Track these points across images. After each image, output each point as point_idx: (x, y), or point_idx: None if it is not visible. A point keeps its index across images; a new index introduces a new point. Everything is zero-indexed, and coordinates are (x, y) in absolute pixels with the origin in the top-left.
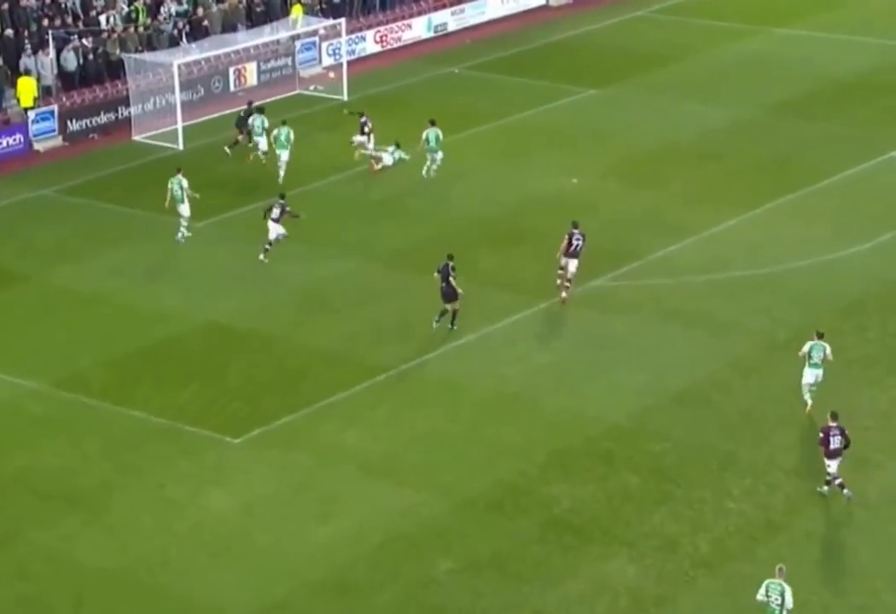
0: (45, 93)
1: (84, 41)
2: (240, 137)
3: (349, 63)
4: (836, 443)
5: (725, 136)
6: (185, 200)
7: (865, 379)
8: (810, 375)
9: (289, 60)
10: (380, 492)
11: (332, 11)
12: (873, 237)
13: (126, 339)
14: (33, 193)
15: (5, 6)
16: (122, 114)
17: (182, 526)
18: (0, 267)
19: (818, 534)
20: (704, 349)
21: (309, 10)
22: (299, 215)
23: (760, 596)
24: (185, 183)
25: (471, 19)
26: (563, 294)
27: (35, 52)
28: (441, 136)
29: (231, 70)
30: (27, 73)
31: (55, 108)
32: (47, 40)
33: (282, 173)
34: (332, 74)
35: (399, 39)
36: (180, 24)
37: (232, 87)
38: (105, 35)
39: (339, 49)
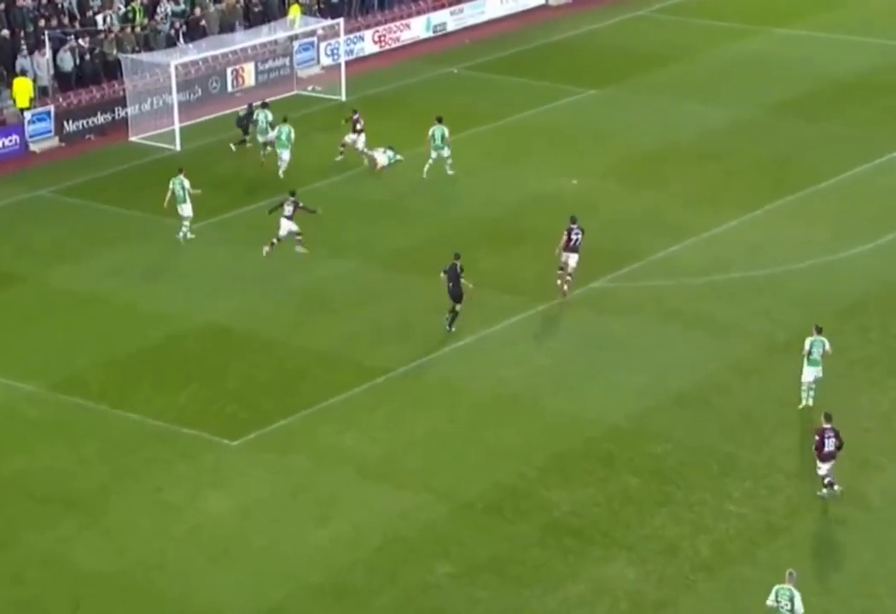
0: (41, 93)
1: (80, 41)
2: (246, 137)
3: (347, 63)
4: (830, 445)
5: (725, 137)
6: (188, 201)
7: (866, 380)
8: (809, 373)
9: (287, 61)
10: (378, 495)
11: (330, 11)
12: (874, 238)
13: (124, 341)
14: (30, 194)
15: (1, 6)
16: (118, 114)
17: (179, 529)
18: None
19: (819, 538)
20: (705, 350)
21: (307, 10)
22: (316, 210)
23: (770, 601)
24: (186, 183)
25: (470, 19)
26: (565, 287)
27: (31, 53)
28: (447, 134)
29: (229, 70)
30: (23, 73)
31: (51, 108)
32: (43, 40)
33: (281, 172)
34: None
35: (398, 39)
36: (177, 25)
37: (229, 88)
38: (102, 35)
39: (338, 49)
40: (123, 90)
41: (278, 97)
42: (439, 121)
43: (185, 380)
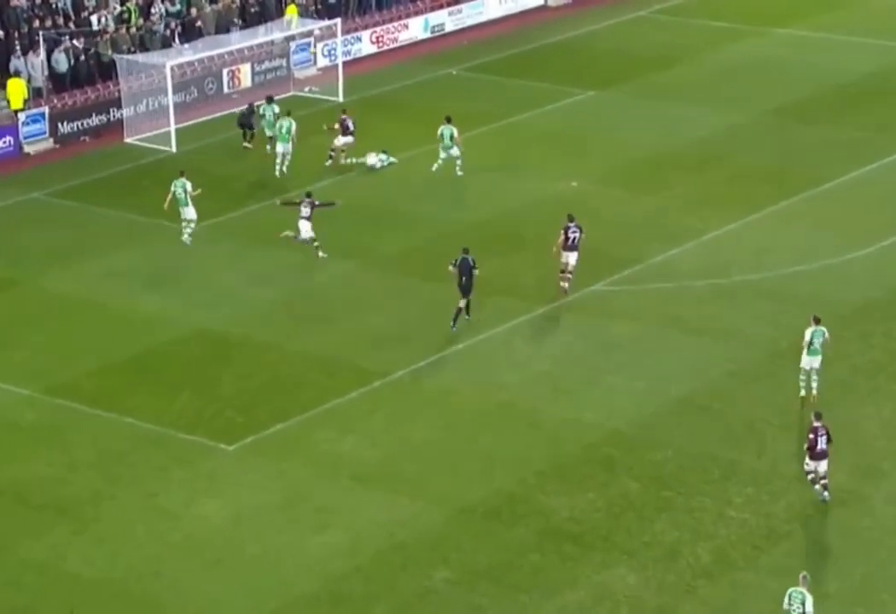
0: (35, 94)
1: (75, 42)
2: (254, 131)
3: (345, 64)
4: (822, 443)
5: (726, 139)
6: (189, 203)
7: (870, 386)
8: (808, 362)
9: (283, 61)
10: (375, 502)
11: (327, 12)
12: (877, 242)
13: (119, 345)
14: (23, 197)
15: None
16: (113, 116)
17: (174, 537)
18: None
19: (822, 543)
20: (706, 355)
21: (303, 11)
22: (335, 203)
23: (785, 604)
24: (188, 186)
25: (468, 20)
26: (565, 284)
27: (25, 53)
28: (456, 134)
29: (225, 71)
30: (17, 74)
31: (46, 109)
32: (38, 41)
33: (278, 167)
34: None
35: (395, 40)
36: (173, 25)
37: (226, 89)
38: (97, 36)
39: (335, 50)
40: (119, 91)
41: (275, 98)
42: (448, 120)
43: (180, 384)
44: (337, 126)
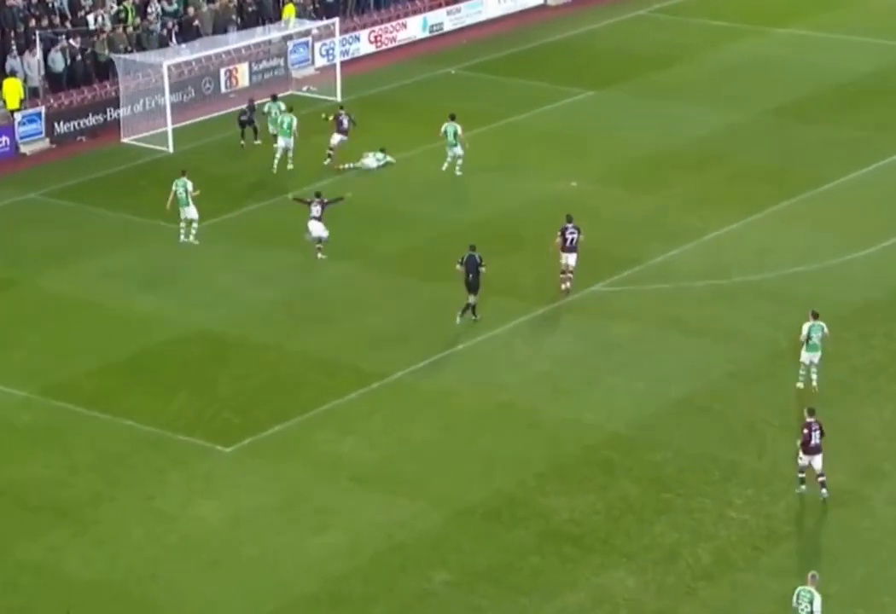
0: (31, 94)
1: (72, 41)
2: (257, 126)
3: (343, 64)
4: (816, 438)
5: (726, 139)
6: (191, 203)
7: (870, 387)
8: (807, 357)
9: (281, 61)
10: (374, 503)
11: (325, 11)
12: (878, 242)
13: (116, 346)
14: (20, 197)
15: None
16: (110, 115)
17: (172, 538)
18: None
19: (822, 545)
20: (706, 356)
21: (301, 10)
22: (343, 198)
23: (793, 603)
24: (189, 185)
25: (467, 19)
26: (566, 285)
27: (21, 53)
28: (460, 131)
29: (222, 71)
30: (13, 74)
31: (42, 109)
32: (34, 41)
33: (276, 162)
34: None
35: (394, 39)
36: (170, 24)
37: (223, 89)
38: (93, 35)
39: (333, 49)
40: (115, 91)
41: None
42: (452, 118)
43: (178, 385)
44: (332, 118)
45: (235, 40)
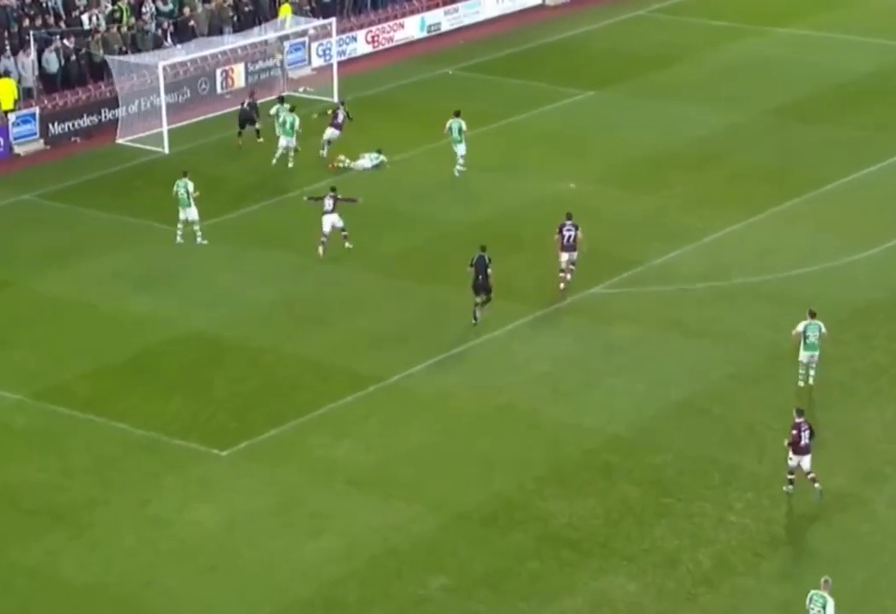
0: (25, 95)
1: (66, 42)
2: (258, 126)
3: (340, 64)
4: (806, 438)
5: (726, 139)
6: (192, 204)
7: (871, 389)
8: (805, 355)
9: (277, 61)
10: (370, 507)
11: (321, 11)
12: (879, 243)
13: (111, 349)
14: (14, 198)
15: None
16: (105, 116)
17: (167, 543)
18: None
19: (823, 549)
20: (706, 358)
21: (298, 10)
22: (356, 199)
23: (807, 605)
24: (190, 186)
25: (465, 19)
26: (562, 285)
27: (15, 53)
28: (464, 127)
29: (218, 71)
30: (7, 74)
31: (36, 110)
32: (28, 41)
33: (275, 160)
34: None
35: (391, 39)
36: (165, 25)
37: (219, 89)
38: (88, 35)
39: (330, 50)
40: (110, 92)
41: (269, 99)
42: (456, 114)
43: (173, 388)
44: (329, 112)
45: (231, 40)
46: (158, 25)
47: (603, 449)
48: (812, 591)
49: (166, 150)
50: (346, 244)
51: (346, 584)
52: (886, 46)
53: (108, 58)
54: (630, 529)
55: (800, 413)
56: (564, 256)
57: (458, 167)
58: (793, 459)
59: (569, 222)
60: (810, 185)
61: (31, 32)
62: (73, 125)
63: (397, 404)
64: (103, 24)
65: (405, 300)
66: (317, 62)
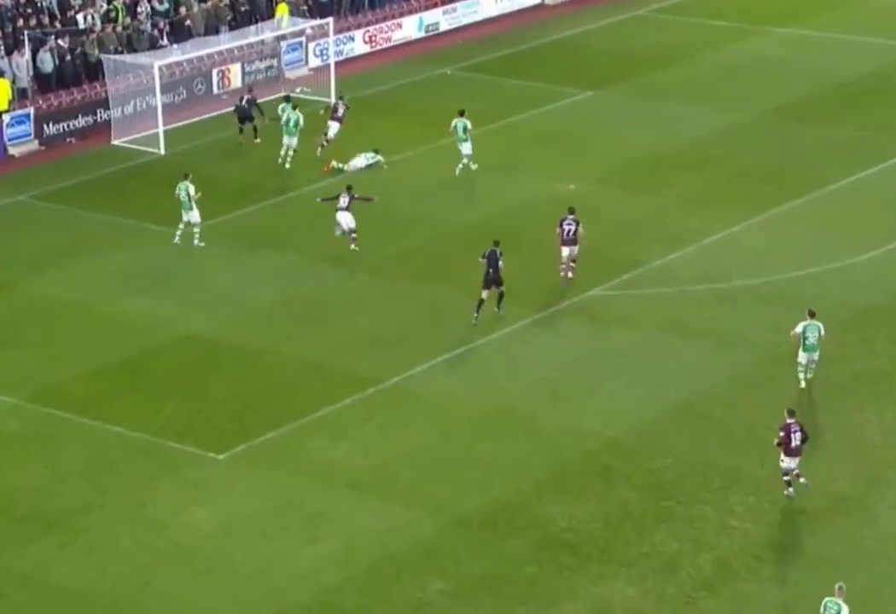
0: (20, 95)
1: (61, 41)
2: (256, 124)
3: (337, 64)
4: (796, 439)
5: (727, 140)
6: (194, 206)
7: (872, 392)
8: (804, 356)
9: (274, 61)
10: (369, 511)
11: (319, 10)
12: (880, 245)
13: (106, 351)
14: (9, 199)
15: None
16: (100, 117)
17: (163, 547)
18: None
19: (825, 554)
20: (706, 361)
21: (295, 10)
22: (372, 198)
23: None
24: (191, 189)
25: (463, 19)
26: (570, 274)
27: (9, 53)
28: (470, 126)
29: (214, 71)
30: (1, 74)
31: (31, 111)
32: (22, 40)
33: (280, 159)
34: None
35: (389, 39)
36: (161, 24)
37: (215, 90)
38: (83, 35)
39: (327, 50)
40: (105, 92)
41: (266, 99)
42: (461, 114)
43: (169, 391)
44: (332, 107)
45: (227, 40)
46: (154, 25)
47: (602, 452)
48: (826, 598)
49: (162, 151)
50: (353, 246)
51: (344, 589)
52: (886, 46)
53: (104, 58)
54: (630, 533)
55: (791, 413)
56: (565, 251)
57: (461, 166)
58: (785, 461)
59: (570, 216)
60: (810, 186)
61: (26, 32)
62: (68, 126)
63: (396, 406)
64: (98, 23)
65: (405, 301)
66: (314, 62)
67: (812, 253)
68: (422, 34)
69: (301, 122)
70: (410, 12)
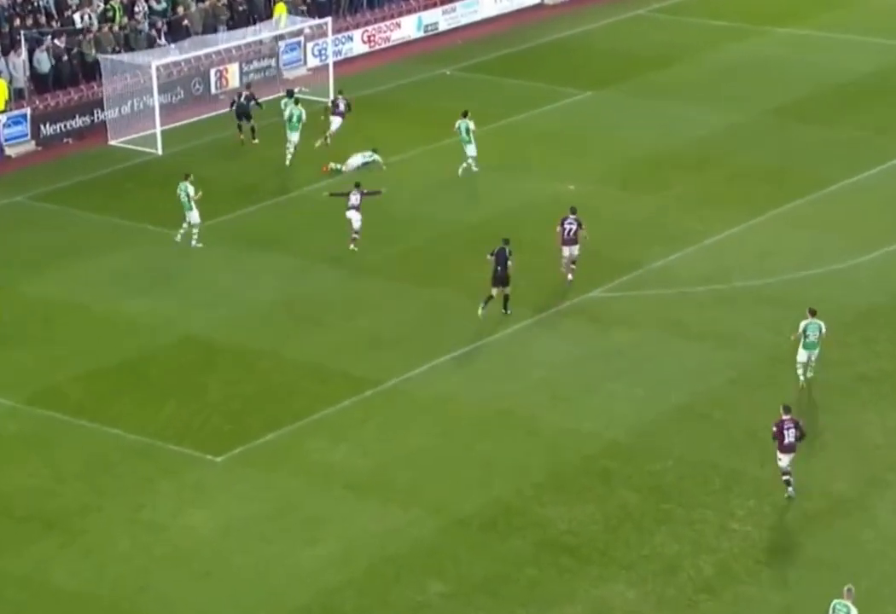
0: (16, 95)
1: (57, 41)
2: (254, 125)
3: (336, 64)
4: (790, 436)
5: (727, 140)
6: (193, 207)
7: (874, 394)
8: (804, 355)
9: (272, 61)
10: (368, 512)
11: (317, 10)
12: (881, 246)
13: (104, 353)
14: (5, 200)
15: None
16: (97, 117)
17: (161, 549)
18: None
19: (826, 557)
20: (707, 362)
21: (293, 9)
22: (380, 191)
23: None
24: (191, 190)
25: (463, 18)
26: (570, 276)
27: (6, 53)
28: (473, 127)
29: (212, 71)
30: None
31: (28, 111)
32: (19, 40)
33: (289, 156)
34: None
35: (388, 39)
36: (159, 24)
37: (213, 89)
38: (80, 35)
39: (325, 49)
40: (102, 92)
41: (263, 99)
42: (464, 115)
43: (166, 393)
44: (329, 104)
45: (225, 40)
46: (152, 24)
47: (602, 454)
48: (835, 601)
49: (160, 152)
50: (352, 246)
51: (343, 591)
52: (886, 46)
53: (101, 57)
54: (630, 536)
55: (787, 410)
56: (566, 251)
57: (463, 166)
58: (782, 459)
59: (571, 216)
60: (811, 187)
61: (23, 32)
62: (65, 126)
63: (395, 408)
64: (96, 23)
65: (404, 302)
66: (312, 62)
67: (813, 254)
68: (421, 34)
69: (304, 117)
70: (409, 12)
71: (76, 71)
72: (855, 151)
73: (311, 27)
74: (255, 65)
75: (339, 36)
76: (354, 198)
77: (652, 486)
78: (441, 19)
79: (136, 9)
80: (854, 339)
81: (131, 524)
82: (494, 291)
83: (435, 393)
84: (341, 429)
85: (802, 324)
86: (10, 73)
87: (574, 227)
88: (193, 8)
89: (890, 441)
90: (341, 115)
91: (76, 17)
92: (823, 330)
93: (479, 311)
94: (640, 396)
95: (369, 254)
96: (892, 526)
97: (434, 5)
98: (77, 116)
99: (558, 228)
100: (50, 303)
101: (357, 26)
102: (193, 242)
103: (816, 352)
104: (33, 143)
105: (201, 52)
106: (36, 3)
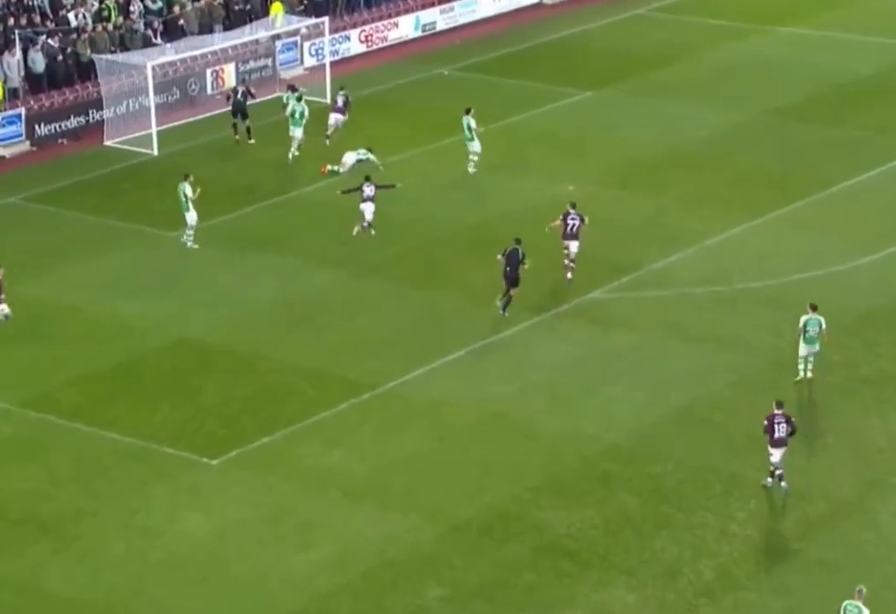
0: (11, 95)
1: (52, 41)
2: (250, 124)
3: (333, 64)
4: (781, 431)
5: (727, 141)
6: (191, 208)
7: (876, 396)
8: (805, 349)
9: (269, 61)
10: (364, 517)
11: (314, 10)
12: (882, 248)
13: (99, 355)
14: (0, 201)
15: None
16: (93, 117)
17: (156, 554)
18: None
19: (828, 561)
20: (707, 365)
21: (290, 9)
22: (395, 185)
23: None
24: (189, 191)
25: (461, 18)
26: (569, 275)
27: (0, 53)
28: (474, 124)
29: (208, 71)
30: None
31: (22, 111)
32: (13, 40)
33: (295, 152)
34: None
35: (385, 39)
36: (154, 23)
37: (209, 90)
38: (74, 34)
39: (322, 49)
40: (98, 92)
41: (260, 99)
42: (467, 112)
43: (162, 396)
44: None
45: (222, 40)
46: (147, 24)
47: (601, 457)
48: (846, 601)
49: (155, 152)
50: (356, 230)
51: (339, 596)
52: (886, 46)
53: (96, 57)
54: (630, 540)
55: (779, 405)
56: (567, 245)
57: (471, 161)
58: (773, 454)
59: (572, 211)
60: (811, 188)
61: (17, 32)
62: (60, 126)
63: (391, 412)
64: (90, 22)
65: (402, 303)
66: (309, 62)
67: (813, 256)
68: (418, 34)
69: (306, 113)
70: (407, 11)
71: (71, 71)
72: (855, 151)
73: (307, 27)
74: (252, 65)
75: (337, 35)
76: (369, 190)
77: (652, 490)
78: (439, 19)
79: (132, 8)
80: (855, 342)
81: (126, 528)
82: (512, 291)
83: (432, 396)
84: (337, 432)
85: (803, 320)
86: (4, 72)
87: (577, 223)
88: (189, 7)
89: (892, 444)
90: (339, 111)
91: (71, 16)
92: (823, 325)
93: (498, 303)
94: (639, 399)
95: (368, 254)
96: (893, 530)
97: (432, 5)
98: (72, 116)
99: (560, 222)
100: (44, 305)
101: (354, 26)
102: (189, 243)
103: (817, 345)
104: (28, 143)
105: (197, 52)
106: (30, 3)
